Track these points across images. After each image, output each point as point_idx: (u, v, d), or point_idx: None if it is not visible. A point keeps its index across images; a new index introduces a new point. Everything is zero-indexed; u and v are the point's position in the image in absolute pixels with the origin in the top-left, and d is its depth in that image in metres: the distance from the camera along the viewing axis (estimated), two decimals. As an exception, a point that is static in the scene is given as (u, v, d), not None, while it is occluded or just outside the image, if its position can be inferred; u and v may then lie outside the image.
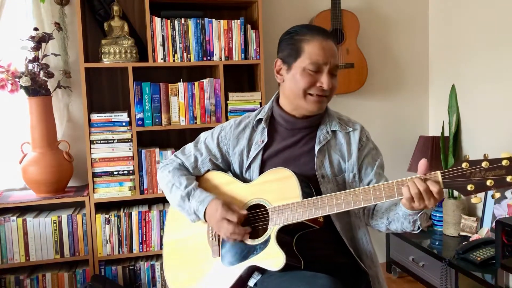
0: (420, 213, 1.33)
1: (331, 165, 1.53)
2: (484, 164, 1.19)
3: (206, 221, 1.52)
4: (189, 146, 1.70)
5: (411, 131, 3.23)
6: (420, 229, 1.38)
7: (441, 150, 2.86)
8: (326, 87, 1.47)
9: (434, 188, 1.23)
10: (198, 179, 1.65)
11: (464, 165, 1.20)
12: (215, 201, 1.50)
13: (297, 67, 1.49)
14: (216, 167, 1.67)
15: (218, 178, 1.63)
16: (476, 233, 2.61)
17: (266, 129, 1.60)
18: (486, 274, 2.23)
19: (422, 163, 1.28)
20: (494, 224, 2.51)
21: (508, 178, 1.17)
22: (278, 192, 1.45)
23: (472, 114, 2.86)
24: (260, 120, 1.62)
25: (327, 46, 1.47)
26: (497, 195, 1.20)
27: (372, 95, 3.17)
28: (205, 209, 1.50)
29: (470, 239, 2.54)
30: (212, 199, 1.50)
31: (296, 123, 1.57)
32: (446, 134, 2.93)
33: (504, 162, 1.17)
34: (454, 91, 2.94)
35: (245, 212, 1.47)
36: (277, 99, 1.63)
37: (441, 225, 2.84)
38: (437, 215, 2.88)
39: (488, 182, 1.18)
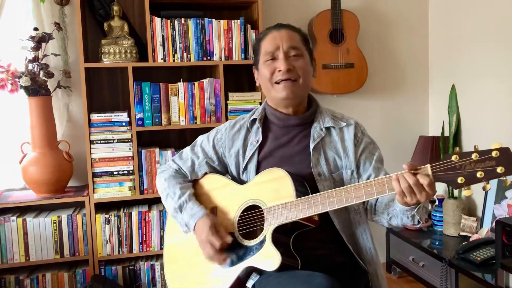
0: (416, 208, 1.34)
1: (327, 162, 1.53)
2: (474, 156, 1.17)
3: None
4: (186, 150, 1.71)
5: (411, 131, 3.23)
6: (421, 223, 1.40)
7: (441, 150, 2.86)
8: (283, 69, 1.50)
9: (424, 181, 1.23)
10: (195, 183, 1.67)
11: (454, 157, 1.19)
12: (203, 219, 1.50)
13: (260, 65, 1.57)
14: (214, 170, 1.68)
15: (214, 182, 1.64)
16: (476, 233, 2.61)
17: (260, 129, 1.61)
18: (486, 274, 2.23)
19: (406, 165, 1.28)
20: (494, 224, 2.51)
21: (498, 169, 1.15)
22: (273, 192, 1.45)
23: (472, 114, 2.85)
24: (254, 121, 1.63)
25: (277, 34, 1.54)
26: (488, 186, 1.18)
27: (372, 95, 3.16)
28: (195, 224, 1.52)
29: (470, 239, 2.54)
30: (201, 216, 1.51)
31: (288, 120, 1.58)
32: (446, 134, 2.92)
33: (494, 153, 1.15)
34: (454, 91, 2.94)
35: (229, 240, 1.47)
36: None
37: (441, 225, 2.83)
38: (437, 215, 2.87)
39: (478, 174, 1.17)
